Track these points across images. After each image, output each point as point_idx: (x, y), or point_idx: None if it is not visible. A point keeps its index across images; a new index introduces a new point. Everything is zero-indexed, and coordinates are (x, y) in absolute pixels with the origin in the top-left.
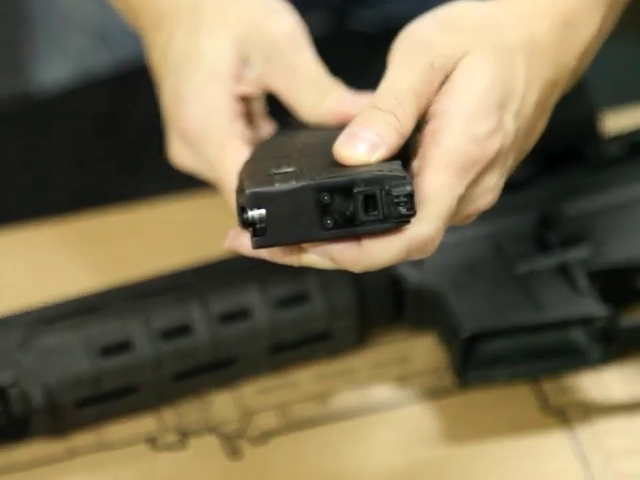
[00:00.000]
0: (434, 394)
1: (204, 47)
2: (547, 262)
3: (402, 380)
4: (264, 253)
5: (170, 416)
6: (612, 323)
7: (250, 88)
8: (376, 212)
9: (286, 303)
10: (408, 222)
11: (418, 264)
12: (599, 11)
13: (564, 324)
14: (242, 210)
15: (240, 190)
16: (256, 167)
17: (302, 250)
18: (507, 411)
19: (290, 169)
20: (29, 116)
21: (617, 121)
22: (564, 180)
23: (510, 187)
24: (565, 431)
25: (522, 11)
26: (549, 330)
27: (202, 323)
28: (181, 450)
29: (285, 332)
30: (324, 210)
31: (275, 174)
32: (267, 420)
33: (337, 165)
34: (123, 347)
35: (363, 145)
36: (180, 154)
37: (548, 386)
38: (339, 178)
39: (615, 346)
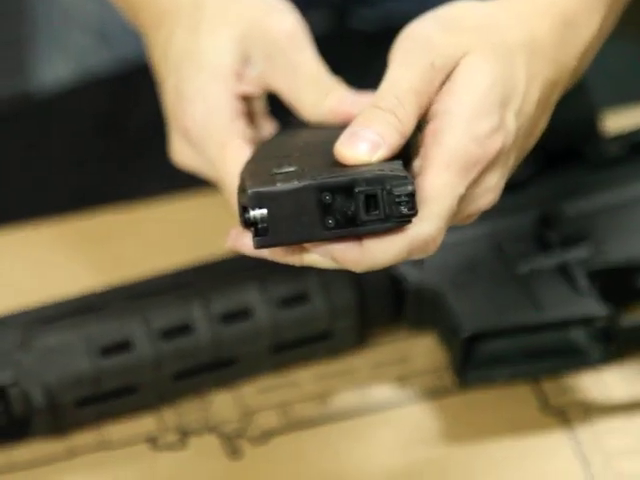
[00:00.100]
0: (434, 394)
1: (205, 45)
2: (547, 262)
3: (402, 380)
4: (266, 253)
5: (170, 416)
6: (612, 323)
7: (251, 87)
8: (377, 212)
9: (287, 303)
10: (409, 222)
11: (419, 264)
12: (599, 11)
13: (564, 324)
14: (244, 210)
15: (242, 190)
16: (257, 167)
17: (304, 250)
18: (507, 411)
19: (291, 169)
20: (29, 116)
21: (617, 121)
22: (564, 180)
23: (510, 187)
24: (565, 431)
25: (522, 11)
26: (549, 330)
27: (203, 323)
28: (181, 450)
29: (286, 332)
30: (326, 210)
31: (277, 174)
32: (267, 420)
33: (338, 165)
34: (123, 347)
35: (364, 145)
36: (181, 153)
37: (548, 386)
38: (340, 178)
39: (615, 346)
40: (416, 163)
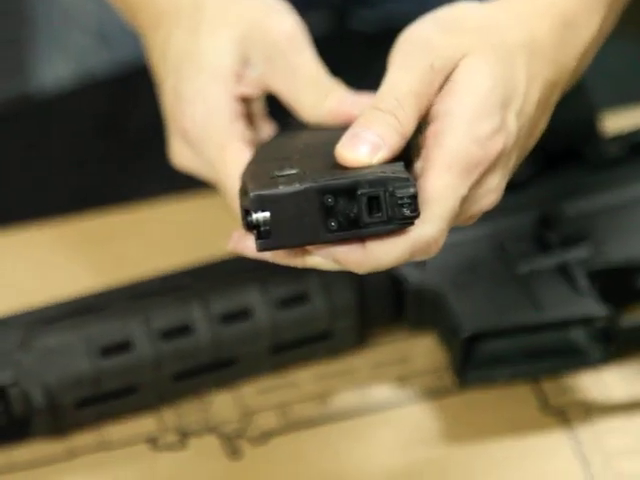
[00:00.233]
0: (434, 394)
1: (205, 47)
2: (547, 262)
3: (402, 380)
4: (268, 256)
5: (170, 416)
6: (612, 323)
7: (250, 89)
8: (380, 214)
9: (287, 303)
10: (412, 223)
11: (421, 265)
12: (599, 12)
13: (564, 324)
14: (246, 212)
15: (243, 192)
16: (259, 169)
17: (306, 252)
18: (507, 411)
19: (293, 171)
20: (29, 116)
21: (617, 121)
22: (564, 180)
23: (510, 187)
24: (565, 431)
25: (522, 12)
26: (549, 330)
27: (203, 323)
28: (181, 450)
29: (286, 332)
30: (328, 212)
31: (278, 176)
32: (267, 420)
33: (340, 167)
34: (123, 347)
35: (365, 147)
36: (181, 154)
37: (548, 386)
38: (342, 180)
39: (615, 346)
40: (417, 165)
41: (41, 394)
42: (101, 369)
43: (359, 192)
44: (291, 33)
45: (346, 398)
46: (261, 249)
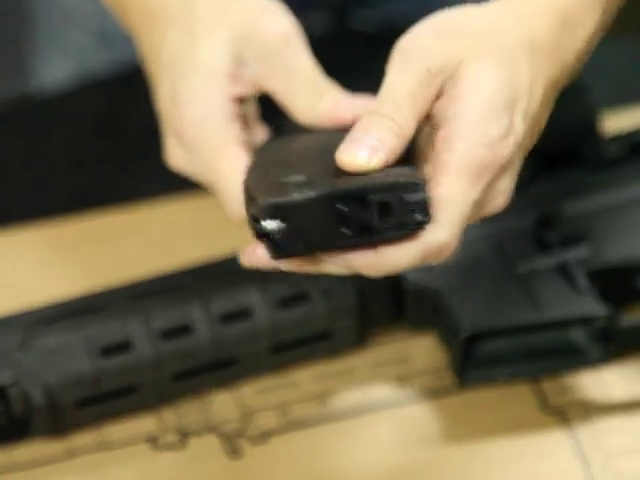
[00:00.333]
0: (434, 394)
1: (200, 48)
2: (547, 262)
3: (402, 380)
4: (282, 264)
5: (170, 416)
6: (612, 323)
7: (246, 88)
8: (392, 219)
9: (287, 303)
10: (424, 228)
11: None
12: (596, 9)
13: (564, 324)
14: (256, 221)
15: (250, 200)
16: (263, 175)
17: (319, 259)
18: (507, 411)
19: (300, 177)
20: (29, 116)
21: (616, 121)
22: (564, 180)
23: None
24: (565, 430)
25: (522, 12)
26: (549, 330)
27: (203, 323)
28: (181, 450)
29: (286, 332)
30: (340, 219)
31: (287, 183)
32: (267, 420)
33: (346, 172)
34: (123, 347)
35: (364, 151)
36: (176, 156)
37: (548, 385)
38: (354, 187)
39: (615, 345)
40: (428, 170)
41: (41, 394)
42: (101, 369)
43: (370, 198)
44: (285, 33)
45: (346, 398)
46: (276, 257)
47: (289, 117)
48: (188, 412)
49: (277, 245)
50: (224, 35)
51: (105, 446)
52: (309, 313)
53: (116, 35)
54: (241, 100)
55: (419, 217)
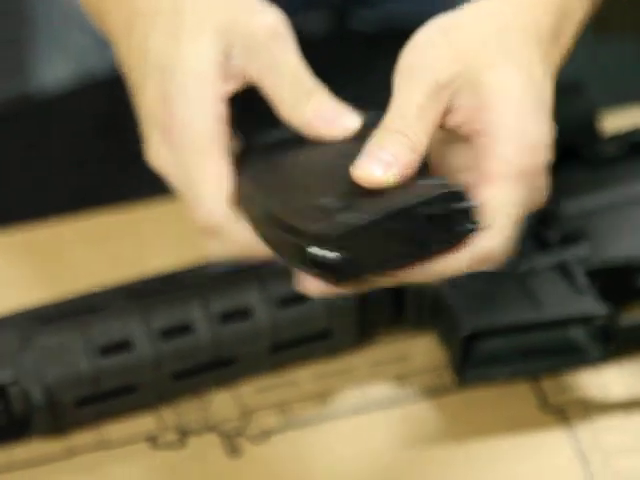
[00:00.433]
0: (433, 392)
1: (187, 50)
2: (546, 260)
3: (401, 379)
4: (339, 289)
5: (170, 415)
6: (611, 321)
7: (236, 83)
8: (443, 229)
9: (286, 302)
10: (474, 236)
11: None
12: None
13: (563, 322)
14: (305, 251)
15: (290, 229)
16: (285, 200)
17: (374, 278)
18: (506, 409)
19: (331, 200)
20: (29, 116)
21: (615, 121)
22: (563, 179)
23: None
24: (564, 429)
25: (523, 3)
26: (548, 328)
27: (202, 323)
28: (181, 449)
29: (285, 331)
30: (393, 237)
31: (327, 209)
32: (267, 419)
33: (377, 190)
34: (123, 346)
35: (379, 167)
36: (158, 153)
37: (547, 384)
38: (406, 205)
39: (614, 344)
40: (471, 179)
41: (41, 393)
42: (101, 368)
43: (420, 212)
44: (274, 27)
45: (345, 397)
46: (335, 284)
47: (275, 112)
48: (188, 411)
49: (336, 273)
50: (211, 31)
51: (105, 445)
52: (309, 312)
53: None
54: (232, 98)
55: (469, 225)
